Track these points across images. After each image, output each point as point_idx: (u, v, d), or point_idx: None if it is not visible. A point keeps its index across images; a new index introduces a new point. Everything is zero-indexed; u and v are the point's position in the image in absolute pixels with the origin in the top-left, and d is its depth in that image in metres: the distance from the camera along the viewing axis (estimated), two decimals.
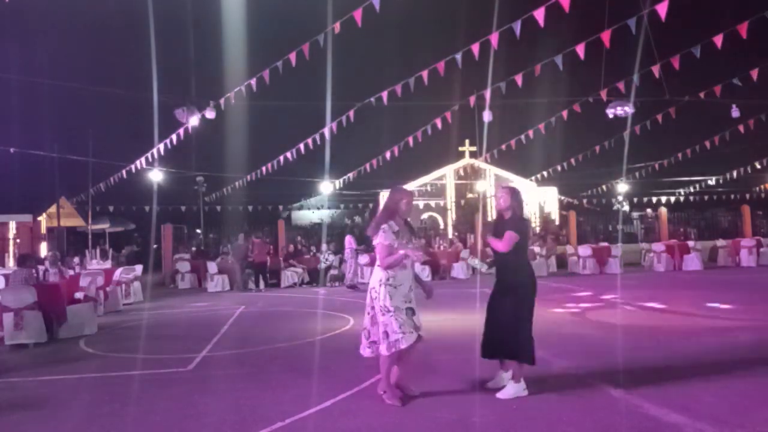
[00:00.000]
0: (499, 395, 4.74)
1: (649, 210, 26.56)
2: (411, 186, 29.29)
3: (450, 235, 24.35)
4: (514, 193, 5.06)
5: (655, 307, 10.10)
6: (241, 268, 16.36)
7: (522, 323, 4.80)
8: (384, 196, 28.76)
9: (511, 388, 4.76)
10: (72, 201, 21.71)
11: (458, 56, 9.93)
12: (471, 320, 9.01)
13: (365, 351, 4.84)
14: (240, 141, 26.94)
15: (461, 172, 29.00)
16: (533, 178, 26.47)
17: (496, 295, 5.01)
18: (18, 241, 19.65)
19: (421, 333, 4.76)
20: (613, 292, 12.51)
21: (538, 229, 24.98)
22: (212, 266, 17.23)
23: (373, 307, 4.76)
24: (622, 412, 4.32)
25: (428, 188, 28.60)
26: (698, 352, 6.25)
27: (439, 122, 14.35)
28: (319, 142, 15.07)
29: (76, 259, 15.49)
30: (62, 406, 5.19)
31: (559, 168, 21.93)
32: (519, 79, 11.23)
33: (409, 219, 4.99)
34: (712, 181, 26.22)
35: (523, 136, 16.32)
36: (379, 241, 4.69)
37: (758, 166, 22.53)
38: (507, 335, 4.82)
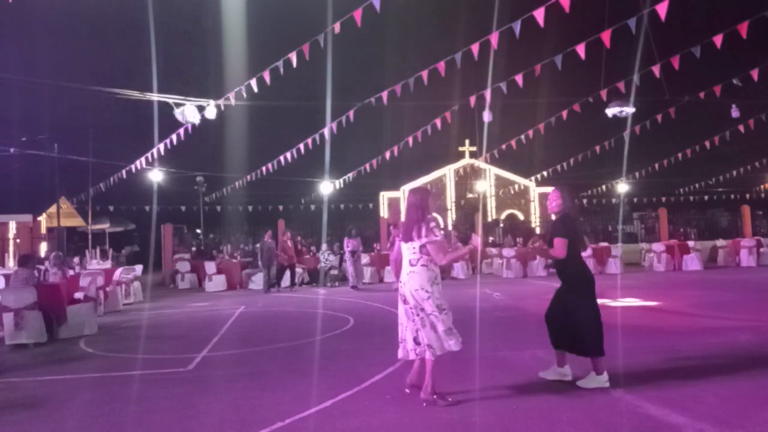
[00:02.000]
0: (580, 383, 4.93)
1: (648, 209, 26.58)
2: (411, 186, 29.30)
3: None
4: (563, 192, 5.13)
5: (655, 307, 10.10)
6: (268, 268, 15.95)
7: (584, 319, 4.94)
8: (385, 196, 28.81)
9: (593, 381, 4.92)
10: (72, 201, 21.72)
11: (458, 56, 9.92)
12: (470, 320, 9.00)
13: (426, 353, 4.70)
14: (240, 141, 26.96)
15: (461, 172, 29.00)
16: (533, 178, 26.46)
17: (560, 291, 5.15)
18: (18, 241, 19.66)
19: None
20: (613, 292, 12.50)
21: (538, 230, 24.96)
22: (210, 266, 17.23)
23: (423, 309, 4.71)
24: (622, 412, 4.32)
25: (428, 188, 28.59)
26: (698, 352, 6.25)
27: (439, 122, 14.34)
28: (318, 142, 15.07)
29: (76, 259, 15.49)
30: (62, 406, 5.19)
31: (559, 168, 21.92)
32: (519, 79, 11.22)
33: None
34: (712, 181, 26.21)
35: (523, 136, 16.30)
36: (435, 238, 4.73)
37: (758, 166, 22.54)
38: (576, 332, 4.97)
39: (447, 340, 4.66)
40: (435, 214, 28.16)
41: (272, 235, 16.31)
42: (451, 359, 6.29)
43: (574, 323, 4.96)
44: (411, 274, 4.78)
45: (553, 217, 5.27)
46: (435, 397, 4.69)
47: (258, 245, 16.83)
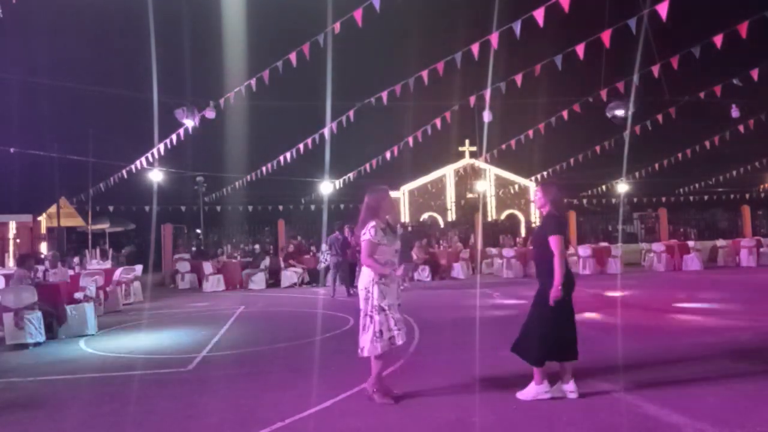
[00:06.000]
0: (519, 395, 4.73)
1: (649, 209, 26.57)
2: (411, 186, 29.32)
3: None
4: (546, 189, 4.92)
5: (655, 307, 10.10)
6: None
7: (533, 325, 4.76)
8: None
9: (532, 390, 4.72)
10: (72, 201, 21.71)
11: (458, 56, 9.91)
12: (471, 320, 9.01)
13: (360, 352, 4.89)
14: (240, 141, 26.94)
15: (461, 172, 29.01)
16: (533, 178, 26.45)
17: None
18: (18, 241, 19.66)
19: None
20: (613, 292, 12.50)
21: None
22: (208, 266, 17.25)
23: (361, 309, 4.82)
24: (622, 412, 4.32)
25: (429, 188, 28.62)
26: (699, 352, 6.25)
27: (439, 122, 14.34)
28: (318, 142, 15.06)
29: (76, 259, 15.48)
30: (62, 406, 5.19)
31: (559, 168, 21.92)
32: (519, 79, 11.22)
33: (388, 219, 5.03)
34: (712, 181, 26.20)
35: (522, 136, 16.30)
36: (366, 237, 4.76)
37: (758, 166, 22.54)
38: (522, 334, 4.84)
39: (374, 343, 4.66)
40: (434, 214, 28.21)
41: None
42: (452, 359, 6.30)
43: (526, 321, 4.83)
44: (361, 273, 4.91)
45: (542, 212, 5.00)
46: (373, 391, 4.79)
47: (326, 243, 14.95)
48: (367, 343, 4.71)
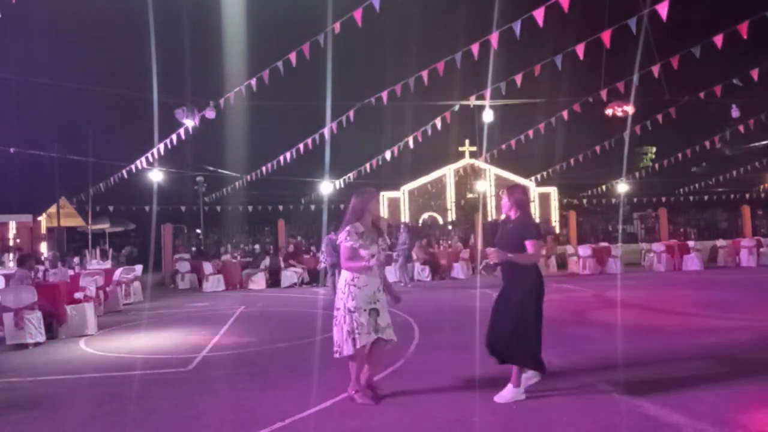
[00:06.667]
0: (497, 398, 4.65)
1: (649, 210, 26.60)
2: (411, 186, 29.31)
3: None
4: (511, 192, 4.90)
5: (655, 307, 10.10)
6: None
7: (527, 326, 4.64)
8: (385, 196, 28.81)
9: (509, 392, 4.66)
10: (72, 201, 21.72)
11: (458, 56, 9.92)
12: (471, 320, 9.00)
13: (335, 353, 4.85)
14: (240, 141, 26.96)
15: (461, 172, 29.01)
16: (533, 178, 26.46)
17: (503, 296, 4.81)
18: (18, 241, 19.66)
19: (384, 336, 4.74)
20: (613, 292, 12.50)
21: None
22: (208, 266, 17.25)
23: (338, 308, 4.82)
24: (622, 412, 4.32)
25: (429, 188, 28.66)
26: (699, 352, 6.25)
27: (438, 122, 14.35)
28: (318, 142, 15.08)
29: (76, 259, 15.48)
30: (62, 406, 5.19)
31: (558, 168, 21.94)
32: (519, 79, 11.23)
33: (376, 220, 5.04)
34: (712, 181, 26.21)
35: (522, 136, 16.32)
36: (341, 242, 4.81)
37: (758, 166, 22.56)
38: (511, 339, 4.68)
39: (347, 342, 4.67)
40: (434, 214, 28.20)
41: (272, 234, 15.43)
42: (451, 359, 6.30)
43: (515, 329, 4.64)
44: (341, 275, 4.93)
45: (509, 215, 4.93)
46: (354, 392, 4.79)
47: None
48: (340, 342, 4.75)
